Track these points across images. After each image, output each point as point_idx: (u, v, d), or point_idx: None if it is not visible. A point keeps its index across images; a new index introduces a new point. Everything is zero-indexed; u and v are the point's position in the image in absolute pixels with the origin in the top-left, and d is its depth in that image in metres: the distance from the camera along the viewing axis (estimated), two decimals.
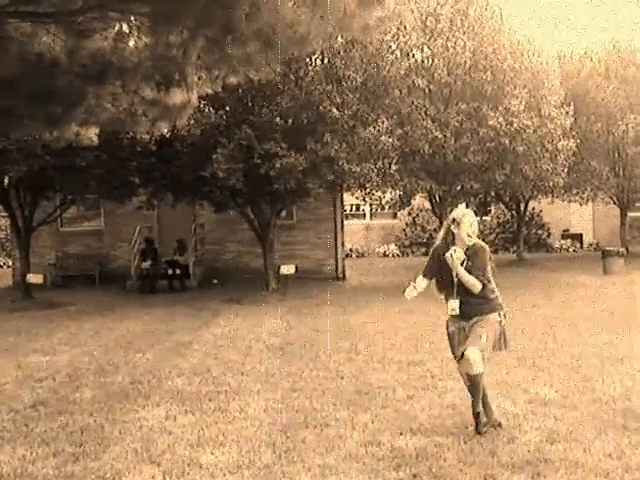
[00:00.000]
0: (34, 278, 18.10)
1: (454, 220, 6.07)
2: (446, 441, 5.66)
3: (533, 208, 30.87)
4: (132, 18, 6.93)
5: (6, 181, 18.06)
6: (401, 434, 5.87)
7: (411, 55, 19.42)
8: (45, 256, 22.45)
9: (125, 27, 7.19)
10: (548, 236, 33.04)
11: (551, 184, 21.74)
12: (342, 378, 8.04)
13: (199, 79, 7.26)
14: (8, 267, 27.21)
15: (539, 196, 26.14)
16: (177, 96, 7.38)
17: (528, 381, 7.62)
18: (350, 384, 7.75)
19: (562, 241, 32.64)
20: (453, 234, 6.06)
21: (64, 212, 20.93)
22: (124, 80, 7.29)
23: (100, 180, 17.33)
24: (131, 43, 7.07)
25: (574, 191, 26.19)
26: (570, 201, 27.76)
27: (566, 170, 21.52)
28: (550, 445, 5.50)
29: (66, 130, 8.43)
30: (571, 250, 32.03)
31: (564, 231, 33.09)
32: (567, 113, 20.85)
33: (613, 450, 5.36)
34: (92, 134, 8.78)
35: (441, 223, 22.04)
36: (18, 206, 18.61)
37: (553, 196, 26.19)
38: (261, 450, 5.60)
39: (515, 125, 18.62)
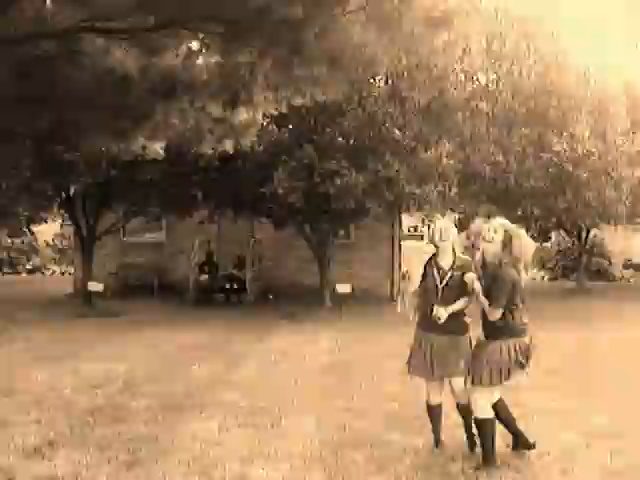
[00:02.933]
0: (95, 286, 18.46)
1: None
2: (499, 470, 5.58)
3: (595, 236, 30.32)
4: (202, 37, 7.08)
5: (72, 191, 18.50)
6: (453, 460, 5.82)
7: (475, 78, 19.35)
8: (106, 265, 22.84)
9: (195, 45, 7.35)
10: (610, 265, 32.38)
11: (614, 212, 21.35)
12: (395, 400, 8.00)
13: (265, 99, 7.37)
14: (70, 275, 27.78)
15: (601, 224, 25.67)
16: (243, 115, 7.50)
17: (588, 412, 7.46)
18: (403, 407, 7.70)
19: (624, 271, 31.96)
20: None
21: (127, 223, 21.32)
22: (192, 97, 7.44)
23: (163, 193, 17.64)
24: (200, 61, 7.21)
25: (638, 220, 25.66)
26: (633, 230, 27.19)
27: (630, 198, 21.11)
28: (609, 478, 5.39)
29: (133, 144, 8.63)
30: (632, 280, 31.34)
31: (627, 260, 32.40)
32: (633, 141, 20.48)
33: None
34: (158, 148, 8.97)
35: None
36: (82, 216, 19.04)
37: (616, 224, 25.68)
38: (312, 468, 5.61)
39: (579, 151, 18.38)
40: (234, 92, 7.24)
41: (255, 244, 22.53)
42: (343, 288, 19.21)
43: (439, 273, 5.96)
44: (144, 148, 8.89)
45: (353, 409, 7.56)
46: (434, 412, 6.20)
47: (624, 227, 26.71)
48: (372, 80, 16.49)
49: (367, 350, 11.83)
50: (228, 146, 8.76)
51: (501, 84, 19.48)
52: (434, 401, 6.17)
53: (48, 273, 32.85)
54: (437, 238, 6.01)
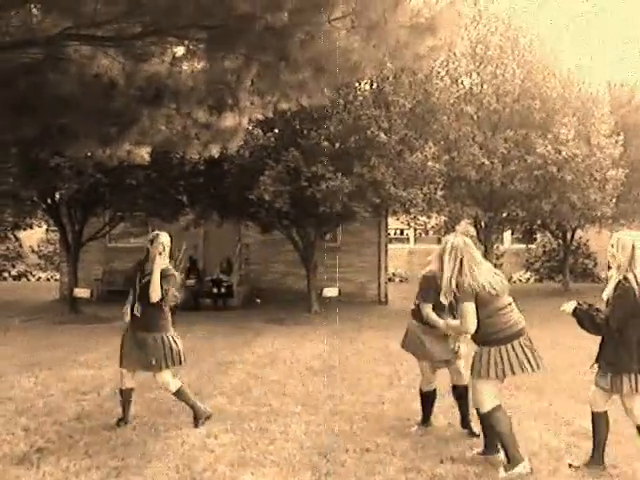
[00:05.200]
0: (81, 292, 18.41)
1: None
2: (486, 471, 5.63)
3: (580, 237, 30.51)
4: (188, 43, 7.11)
5: (57, 197, 18.46)
6: (442, 462, 5.86)
7: (460, 82, 19.48)
8: (92, 271, 22.80)
9: (181, 51, 7.37)
10: (594, 266, 32.59)
11: (599, 214, 21.52)
12: (383, 403, 8.04)
13: (251, 104, 7.40)
14: (55, 280, 27.67)
15: (586, 225, 25.85)
16: (229, 120, 7.52)
17: (572, 413, 7.53)
18: (391, 410, 7.75)
19: (609, 271, 32.08)
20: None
21: (112, 228, 21.28)
22: (178, 103, 7.46)
23: (149, 198, 17.64)
24: (186, 67, 7.24)
25: (622, 221, 25.84)
26: (617, 231, 27.37)
27: (614, 200, 21.28)
28: (593, 479, 5.44)
29: (119, 149, 8.63)
30: None
31: None
32: (616, 142, 20.64)
33: None
34: (144, 153, 8.96)
35: (486, 249, 21.96)
36: (68, 221, 18.99)
37: (600, 226, 25.86)
38: (301, 472, 5.64)
39: (563, 153, 18.53)
40: (220, 98, 7.26)
41: (242, 248, 22.54)
42: (330, 292, 19.27)
43: None
44: (130, 153, 8.88)
45: (341, 413, 7.59)
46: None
47: (609, 228, 26.88)
48: (357, 84, 16.55)
49: (355, 354, 11.87)
50: (214, 151, 8.77)
51: (485, 87, 19.60)
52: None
53: (33, 279, 32.70)
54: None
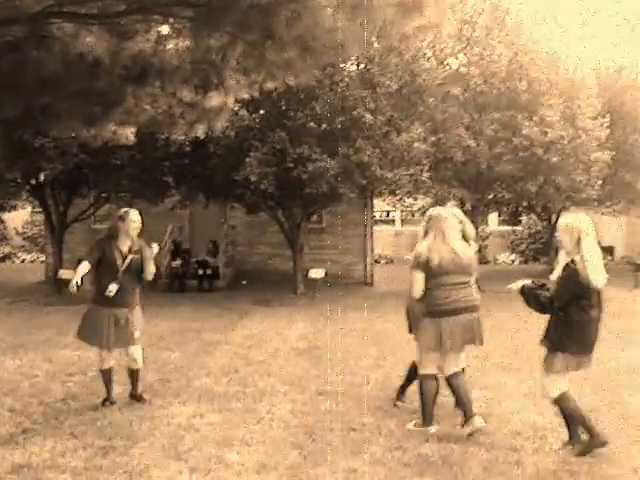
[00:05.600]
0: (66, 274, 18.30)
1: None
2: (471, 449, 5.67)
3: None
4: (174, 21, 7.04)
5: (42, 178, 18.34)
6: (427, 441, 5.89)
7: (446, 63, 19.43)
8: (77, 252, 22.67)
9: (166, 30, 7.30)
10: None
11: (584, 196, 21.58)
12: (368, 383, 8.07)
13: (237, 83, 7.34)
14: (41, 262, 27.55)
15: (571, 207, 25.93)
16: (214, 99, 7.47)
17: None
18: (377, 389, 7.78)
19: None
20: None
21: (97, 210, 21.18)
22: (163, 82, 7.40)
23: (134, 179, 17.56)
24: (172, 46, 7.17)
25: (607, 203, 25.95)
26: (602, 213, 27.50)
27: (600, 182, 21.34)
28: (576, 458, 5.48)
29: (104, 129, 8.56)
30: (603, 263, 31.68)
31: None
32: (602, 125, 20.67)
33: None
34: (129, 133, 8.91)
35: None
36: (53, 203, 18.89)
37: (586, 208, 25.94)
38: (287, 451, 5.65)
39: (549, 135, 18.53)
40: (205, 77, 7.20)
41: (228, 230, 22.50)
42: (316, 273, 19.27)
43: None
44: (115, 133, 8.82)
45: (327, 393, 7.61)
46: None
47: (594, 210, 26.99)
48: (343, 65, 16.48)
49: (341, 335, 11.88)
50: (200, 131, 8.71)
51: (472, 68, 19.55)
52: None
53: (18, 261, 32.54)
54: None
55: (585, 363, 5.67)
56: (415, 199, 23.94)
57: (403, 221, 34.33)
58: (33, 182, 18.54)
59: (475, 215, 22.07)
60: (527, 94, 19.36)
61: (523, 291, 5.72)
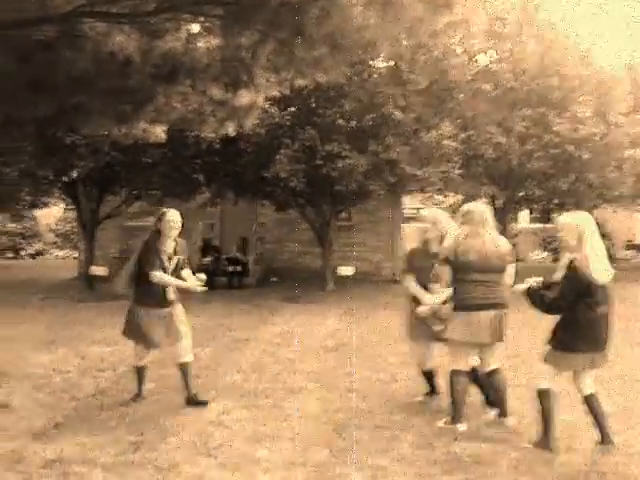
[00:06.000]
0: (98, 270, 18.52)
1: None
2: (501, 448, 5.63)
3: (597, 217, 30.23)
4: (204, 20, 7.07)
5: (74, 175, 18.52)
6: (456, 439, 5.86)
7: (476, 59, 19.29)
8: (109, 249, 22.91)
9: (197, 28, 7.34)
10: (612, 246, 32.38)
11: (616, 193, 21.34)
12: (397, 381, 8.05)
13: (267, 81, 7.36)
14: (74, 259, 27.84)
15: (603, 205, 25.63)
16: (245, 97, 7.50)
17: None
18: (405, 387, 7.76)
19: (626, 252, 31.97)
20: None
21: (129, 207, 21.35)
22: (194, 80, 7.44)
23: (165, 177, 17.66)
24: (202, 44, 7.20)
25: (639, 201, 25.62)
26: (635, 211, 27.16)
27: (632, 179, 21.08)
28: (606, 457, 5.43)
29: (135, 127, 8.63)
30: (634, 261, 31.36)
31: (628, 242, 32.39)
32: (635, 121, 20.40)
33: None
34: (159, 131, 8.96)
35: (504, 228, 21.84)
36: (85, 199, 19.07)
37: (618, 205, 25.63)
38: (315, 449, 5.66)
39: (581, 132, 18.32)
40: (236, 75, 7.23)
41: (257, 227, 22.57)
42: (345, 270, 19.27)
43: None
44: (145, 131, 8.88)
45: (356, 390, 7.61)
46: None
47: (626, 208, 26.66)
48: (373, 62, 16.45)
49: (370, 332, 11.88)
50: (230, 129, 8.75)
51: (502, 65, 19.40)
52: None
53: (51, 257, 32.91)
54: None
55: (600, 361, 5.64)
56: (445, 196, 23.82)
57: None
58: (65, 179, 18.71)
59: (506, 212, 21.93)
60: (558, 90, 19.16)
61: (528, 292, 5.72)
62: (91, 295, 17.52)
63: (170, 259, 6.96)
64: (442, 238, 6.59)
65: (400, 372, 8.52)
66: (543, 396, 5.68)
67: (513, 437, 5.94)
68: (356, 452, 5.56)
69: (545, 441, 5.63)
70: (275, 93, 8.07)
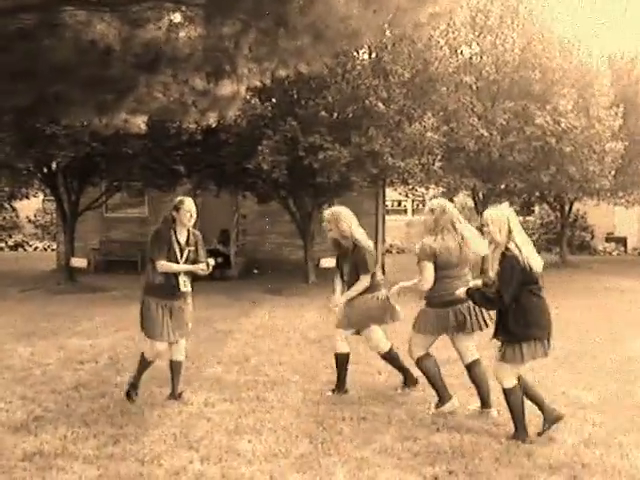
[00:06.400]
0: (78, 262, 18.41)
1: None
2: (483, 440, 5.66)
3: (577, 210, 30.46)
4: (185, 9, 7.00)
5: (54, 166, 18.37)
6: (438, 430, 5.89)
7: (459, 52, 19.29)
8: (89, 241, 22.78)
9: (178, 17, 7.26)
10: (592, 239, 32.60)
11: (597, 186, 21.47)
12: (380, 373, 8.05)
13: (249, 71, 7.30)
14: (52, 250, 27.66)
15: (584, 198, 25.78)
16: (227, 87, 7.43)
17: (567, 384, 7.57)
18: (387, 379, 7.76)
19: (606, 244, 32.20)
20: None
21: (109, 198, 21.22)
22: (175, 70, 7.36)
23: (145, 168, 17.55)
24: (184, 34, 7.13)
25: (620, 194, 25.77)
26: (615, 204, 27.34)
27: (613, 172, 21.20)
28: (588, 449, 5.47)
29: (115, 117, 8.53)
30: (615, 254, 31.60)
31: (608, 234, 32.63)
32: (616, 115, 20.52)
33: None
34: (140, 122, 8.87)
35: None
36: (64, 191, 18.92)
37: (599, 198, 25.78)
38: (298, 440, 5.66)
39: (562, 125, 18.42)
40: (218, 65, 7.17)
41: (239, 219, 22.50)
42: (328, 262, 19.20)
43: None
44: (126, 122, 8.79)
45: None
46: None
47: (607, 201, 26.83)
48: (356, 53, 16.41)
49: None
50: (211, 120, 8.69)
51: (485, 57, 19.44)
52: None
53: (30, 249, 32.67)
54: None
55: (548, 349, 5.67)
56: (427, 189, 23.85)
57: (414, 211, 34.25)
58: (45, 170, 18.56)
59: (486, 205, 21.99)
60: (540, 83, 19.23)
61: (469, 293, 5.79)
62: (71, 287, 17.41)
63: (183, 250, 6.76)
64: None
65: (382, 364, 8.50)
66: (510, 393, 5.69)
67: (495, 429, 5.95)
68: (339, 444, 5.56)
69: (519, 433, 5.67)
70: (257, 83, 8.00)
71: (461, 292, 5.88)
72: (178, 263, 6.66)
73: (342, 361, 7.22)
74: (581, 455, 5.33)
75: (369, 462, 5.18)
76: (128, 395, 6.83)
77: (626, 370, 8.28)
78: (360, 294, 7.05)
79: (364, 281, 7.03)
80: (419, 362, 6.65)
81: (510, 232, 5.52)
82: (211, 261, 6.98)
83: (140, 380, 6.94)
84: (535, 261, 5.52)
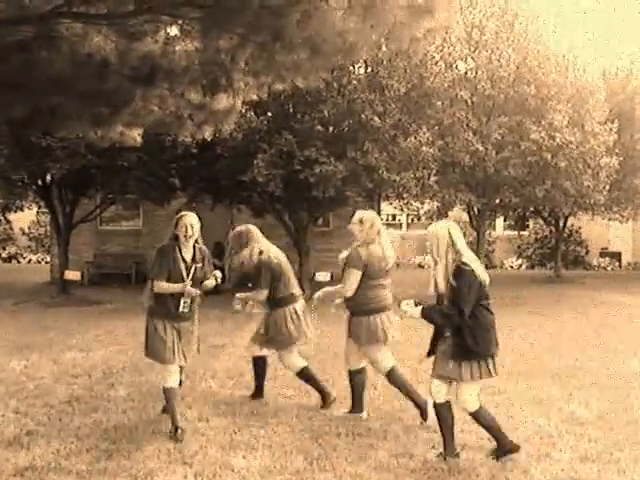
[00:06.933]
0: (72, 275, 18.32)
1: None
2: (479, 456, 5.61)
3: (572, 225, 30.53)
4: (182, 22, 7.01)
5: (48, 178, 18.35)
6: (433, 447, 5.84)
7: (455, 67, 19.39)
8: (83, 253, 22.73)
9: (175, 31, 7.28)
10: (586, 253, 32.65)
11: (592, 201, 21.52)
12: (375, 388, 8.01)
13: (245, 85, 7.31)
14: (46, 263, 27.58)
15: (579, 213, 25.83)
16: (223, 101, 7.44)
17: (563, 399, 7.53)
18: (383, 394, 7.72)
19: (600, 259, 32.25)
20: None
21: (104, 211, 21.19)
22: (172, 83, 7.37)
23: (140, 181, 17.54)
24: (180, 47, 7.14)
25: (615, 209, 25.83)
26: (610, 219, 27.39)
27: (607, 187, 21.26)
28: (584, 465, 5.43)
29: (111, 130, 8.53)
30: (609, 268, 31.64)
31: (602, 249, 32.68)
32: (611, 130, 20.61)
33: None
34: (136, 135, 8.87)
35: (479, 236, 21.97)
36: (59, 203, 18.88)
37: (593, 213, 25.84)
38: (293, 456, 5.61)
39: (557, 140, 18.48)
40: (214, 78, 7.17)
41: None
42: (322, 276, 19.24)
43: None
44: (122, 135, 8.78)
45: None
46: None
47: (601, 216, 26.88)
48: (352, 68, 16.47)
49: (347, 338, 11.79)
50: (207, 133, 8.68)
51: (480, 72, 19.51)
52: None
53: (24, 261, 32.58)
54: None
55: (497, 365, 5.51)
56: (422, 203, 23.87)
57: (409, 225, 34.26)
58: (40, 182, 18.53)
59: (482, 220, 22.05)
60: (535, 98, 19.32)
61: (425, 313, 5.50)
62: (65, 300, 17.34)
63: (189, 268, 6.46)
64: None
65: (378, 379, 8.46)
66: (478, 416, 5.57)
67: (491, 445, 5.91)
68: (333, 460, 5.52)
69: (504, 447, 5.57)
70: (254, 97, 8.01)
71: (415, 312, 5.53)
72: (184, 281, 6.33)
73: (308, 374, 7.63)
74: (578, 471, 5.30)
75: (364, 478, 5.14)
76: (176, 430, 6.11)
77: (622, 385, 8.25)
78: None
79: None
80: (388, 376, 6.87)
81: (453, 246, 5.37)
82: (218, 273, 6.99)
83: (177, 413, 6.28)
84: (485, 276, 5.42)
